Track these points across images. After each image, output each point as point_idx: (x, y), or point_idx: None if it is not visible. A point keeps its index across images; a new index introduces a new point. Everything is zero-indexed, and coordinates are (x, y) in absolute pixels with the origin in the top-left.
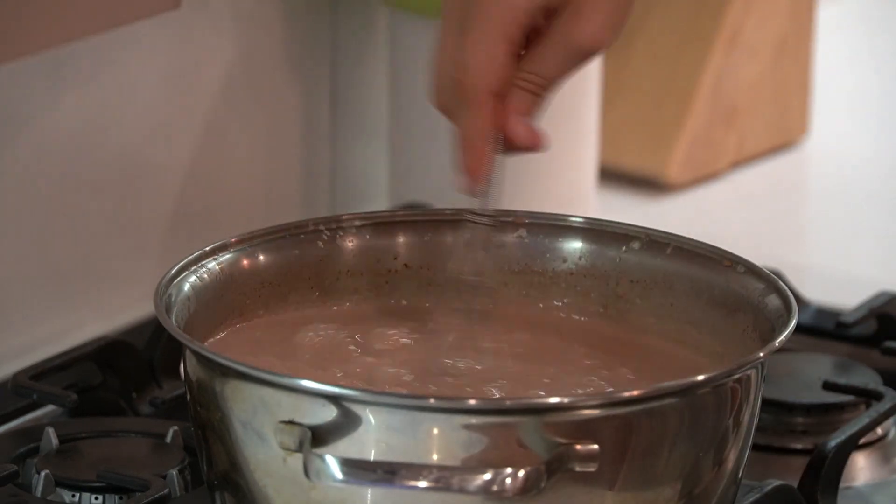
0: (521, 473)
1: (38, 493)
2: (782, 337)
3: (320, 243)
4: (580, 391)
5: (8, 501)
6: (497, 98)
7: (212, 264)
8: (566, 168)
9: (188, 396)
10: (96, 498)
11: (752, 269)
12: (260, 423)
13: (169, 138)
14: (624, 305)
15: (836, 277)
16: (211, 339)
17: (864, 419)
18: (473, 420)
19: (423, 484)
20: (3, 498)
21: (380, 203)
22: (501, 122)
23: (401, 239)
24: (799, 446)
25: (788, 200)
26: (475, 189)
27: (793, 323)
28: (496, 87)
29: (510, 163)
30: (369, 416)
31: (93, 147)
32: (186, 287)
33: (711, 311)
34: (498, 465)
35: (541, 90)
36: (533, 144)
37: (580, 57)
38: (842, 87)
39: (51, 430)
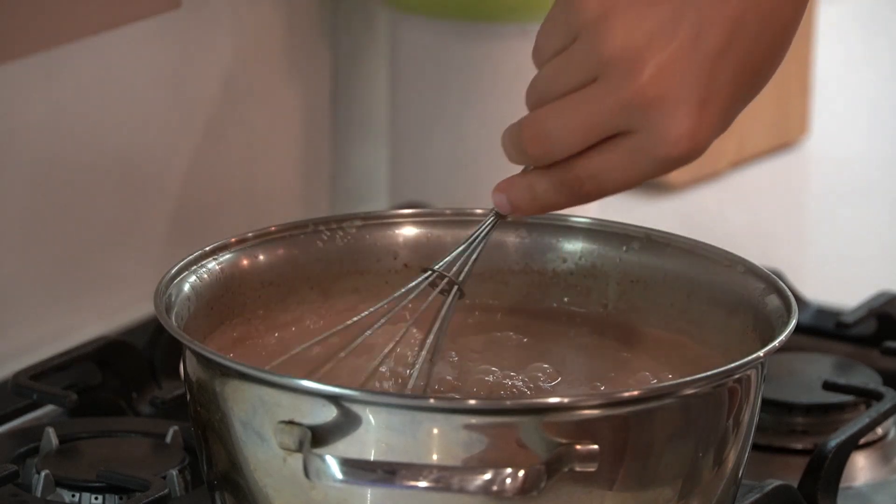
0: (521, 473)
1: (38, 493)
2: (782, 337)
3: (320, 243)
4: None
5: (8, 501)
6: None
7: (212, 264)
8: None
9: (188, 396)
10: (96, 498)
11: (752, 269)
12: (260, 423)
13: (168, 138)
14: (624, 305)
15: (836, 277)
16: (211, 339)
17: (864, 419)
18: (473, 420)
19: (423, 484)
20: (3, 498)
21: (380, 203)
22: None
23: (401, 239)
24: (799, 446)
25: (788, 200)
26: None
27: (793, 323)
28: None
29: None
30: (369, 416)
31: (93, 147)
32: (186, 287)
33: (711, 311)
34: (498, 465)
35: (585, 198)
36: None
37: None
38: (842, 87)
39: (51, 430)
